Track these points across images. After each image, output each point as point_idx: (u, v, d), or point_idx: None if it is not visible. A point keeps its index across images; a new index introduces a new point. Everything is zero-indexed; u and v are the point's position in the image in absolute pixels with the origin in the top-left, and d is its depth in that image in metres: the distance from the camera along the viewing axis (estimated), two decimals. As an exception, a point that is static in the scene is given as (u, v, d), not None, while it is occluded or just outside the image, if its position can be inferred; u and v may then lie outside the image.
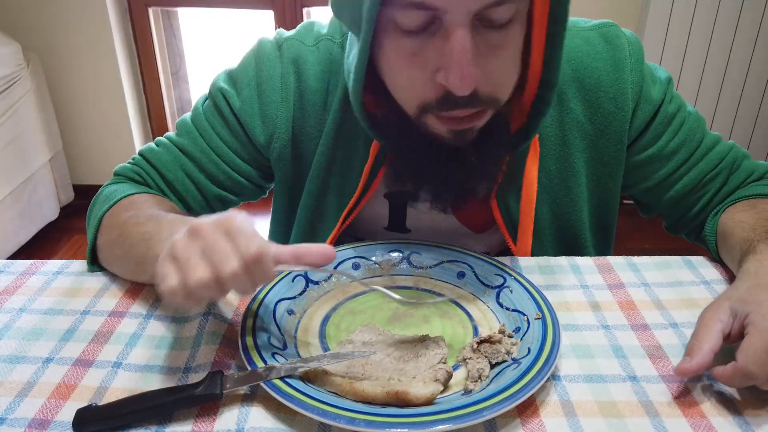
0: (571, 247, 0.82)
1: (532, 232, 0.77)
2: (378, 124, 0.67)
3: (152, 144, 0.81)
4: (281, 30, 0.79)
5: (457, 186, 0.68)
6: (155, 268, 0.51)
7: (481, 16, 0.56)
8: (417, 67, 0.59)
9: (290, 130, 0.76)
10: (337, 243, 0.78)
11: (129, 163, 0.81)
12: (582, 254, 0.82)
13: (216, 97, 0.78)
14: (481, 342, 0.57)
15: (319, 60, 0.75)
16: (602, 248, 0.86)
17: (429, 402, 0.50)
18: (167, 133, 0.81)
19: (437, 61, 0.57)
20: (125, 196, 0.73)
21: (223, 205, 0.82)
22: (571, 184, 0.78)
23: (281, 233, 0.87)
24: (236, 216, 0.51)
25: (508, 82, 0.62)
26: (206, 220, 0.50)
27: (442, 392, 0.52)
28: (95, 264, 0.73)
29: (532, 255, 0.78)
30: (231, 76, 0.78)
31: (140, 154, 0.80)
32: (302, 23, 0.79)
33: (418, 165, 0.67)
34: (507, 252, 0.82)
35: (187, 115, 0.81)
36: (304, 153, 0.78)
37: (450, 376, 0.53)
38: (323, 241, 0.79)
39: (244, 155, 0.79)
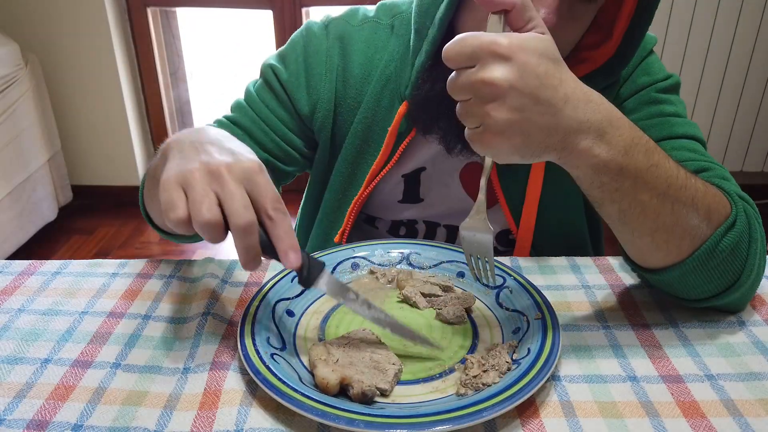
0: (566, 228, 0.83)
1: (536, 210, 0.79)
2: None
3: (210, 122, 0.85)
4: (329, 14, 0.85)
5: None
6: (160, 188, 0.50)
7: None
8: None
9: (332, 101, 0.82)
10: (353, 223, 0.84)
11: None
12: (577, 242, 0.84)
13: (266, 74, 0.83)
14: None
15: (363, 38, 0.81)
16: (594, 237, 0.88)
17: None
18: (223, 113, 0.85)
19: None
20: None
21: (272, 172, 0.85)
22: None
23: (314, 198, 0.90)
24: (257, 166, 0.51)
25: (565, 48, 0.69)
26: (225, 163, 0.50)
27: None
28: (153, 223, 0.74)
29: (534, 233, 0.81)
30: (280, 55, 0.84)
31: None
32: (348, 9, 0.84)
33: (442, 96, 0.68)
34: (510, 234, 0.86)
35: (240, 97, 0.86)
36: (344, 123, 0.83)
37: (381, 393, 0.53)
38: (348, 206, 0.83)
39: (290, 125, 0.83)
